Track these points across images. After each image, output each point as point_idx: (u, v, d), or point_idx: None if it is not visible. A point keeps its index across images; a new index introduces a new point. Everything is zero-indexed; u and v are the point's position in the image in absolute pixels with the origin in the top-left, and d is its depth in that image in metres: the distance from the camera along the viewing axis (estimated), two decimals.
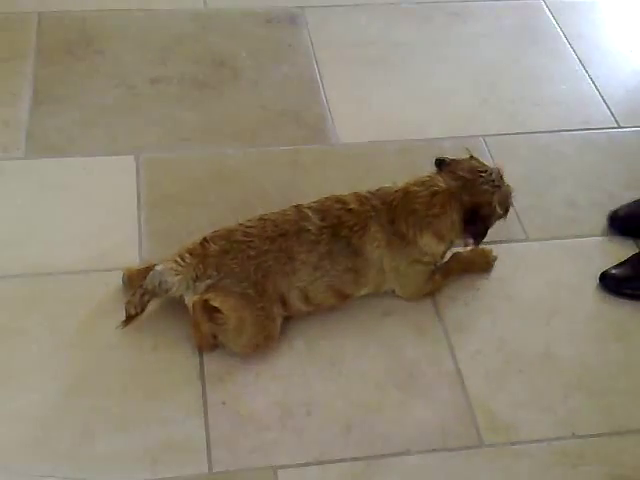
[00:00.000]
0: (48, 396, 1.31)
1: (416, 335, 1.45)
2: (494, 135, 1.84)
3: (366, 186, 1.71)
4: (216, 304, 1.32)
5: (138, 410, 1.30)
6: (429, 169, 1.76)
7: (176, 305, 1.45)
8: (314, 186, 1.71)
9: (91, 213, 1.59)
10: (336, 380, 1.37)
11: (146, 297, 1.36)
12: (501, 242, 1.62)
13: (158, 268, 1.35)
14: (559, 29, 2.15)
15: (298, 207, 1.44)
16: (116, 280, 1.46)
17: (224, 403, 1.33)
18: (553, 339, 1.47)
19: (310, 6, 2.14)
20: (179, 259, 1.35)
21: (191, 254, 1.35)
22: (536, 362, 1.43)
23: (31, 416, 1.28)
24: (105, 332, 1.39)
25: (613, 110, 1.92)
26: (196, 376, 1.35)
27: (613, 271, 1.52)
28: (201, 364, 1.37)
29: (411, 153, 1.80)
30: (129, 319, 1.37)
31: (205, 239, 1.37)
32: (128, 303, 1.36)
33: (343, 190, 1.69)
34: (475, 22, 2.00)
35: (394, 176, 1.74)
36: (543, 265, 1.58)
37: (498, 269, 1.56)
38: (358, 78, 1.94)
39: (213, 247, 1.35)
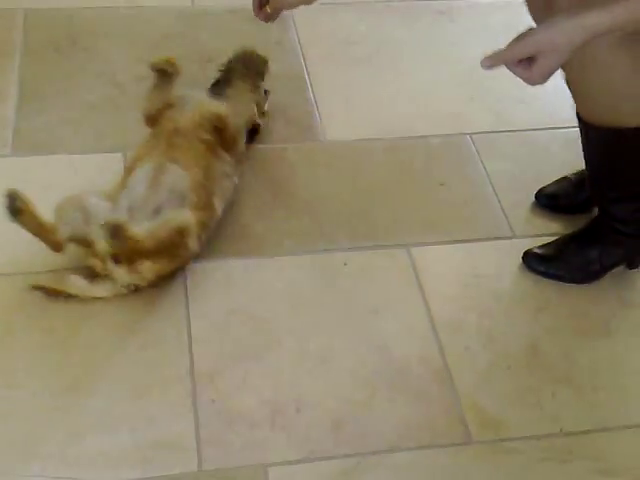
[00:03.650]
0: (36, 395, 1.30)
1: (405, 333, 1.45)
2: (481, 133, 1.85)
3: (355, 183, 1.73)
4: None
5: (127, 409, 1.30)
6: (417, 166, 1.79)
7: (164, 303, 1.45)
8: (302, 184, 1.71)
9: None
10: (325, 378, 1.38)
11: None
12: (487, 239, 1.63)
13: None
14: None
15: None
16: None
17: (214, 401, 1.33)
18: (540, 335, 1.48)
19: None
20: None
21: None
22: (523, 359, 1.44)
23: (19, 415, 1.27)
24: (93, 331, 1.39)
25: None
26: (185, 374, 1.35)
27: (536, 250, 1.57)
28: (191, 362, 1.37)
29: (399, 151, 1.80)
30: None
31: None
32: None
33: (333, 188, 1.71)
34: (461, 21, 2.01)
35: (382, 174, 1.76)
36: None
37: (485, 266, 1.57)
38: (346, 76, 1.94)
39: None
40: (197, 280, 1.50)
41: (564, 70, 1.30)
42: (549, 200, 1.67)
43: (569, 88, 1.37)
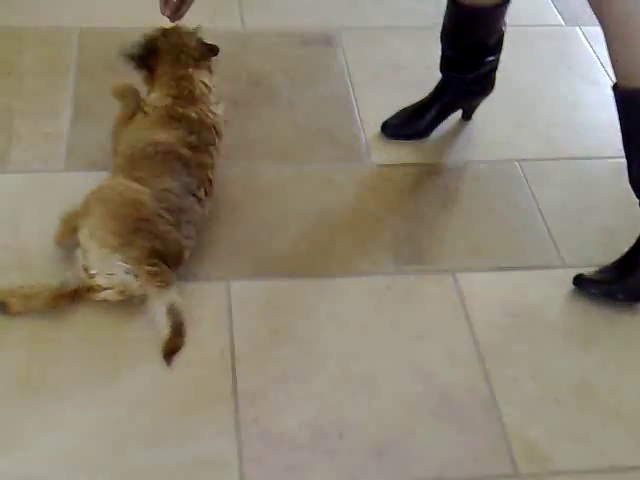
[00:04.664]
0: (83, 407, 1.31)
1: (450, 359, 1.43)
2: (529, 160, 1.84)
3: (400, 207, 1.72)
4: None
5: (171, 425, 1.30)
6: (464, 191, 1.78)
7: (208, 321, 1.45)
8: (348, 205, 1.72)
9: None
10: (368, 402, 1.36)
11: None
12: (536, 268, 1.61)
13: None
14: (595, 57, 2.15)
15: None
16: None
17: (256, 421, 1.32)
18: (590, 368, 1.44)
19: (346, 28, 2.17)
20: None
21: None
22: (572, 391, 1.41)
23: (67, 427, 1.29)
24: (140, 345, 1.40)
25: None
26: (229, 393, 1.35)
27: (588, 275, 1.56)
28: (234, 381, 1.37)
29: (445, 175, 1.80)
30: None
31: None
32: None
33: (378, 211, 1.71)
34: (510, 47, 1.99)
35: (428, 197, 1.75)
36: (579, 292, 1.56)
37: (533, 295, 1.55)
38: (392, 100, 1.94)
39: None
40: (241, 299, 1.50)
41: (605, 38, 1.37)
42: (394, 130, 1.84)
43: (609, 55, 1.40)
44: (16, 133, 1.77)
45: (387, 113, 1.90)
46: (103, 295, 1.40)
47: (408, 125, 1.86)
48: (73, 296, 1.40)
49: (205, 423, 1.31)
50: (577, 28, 2.24)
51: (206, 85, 1.65)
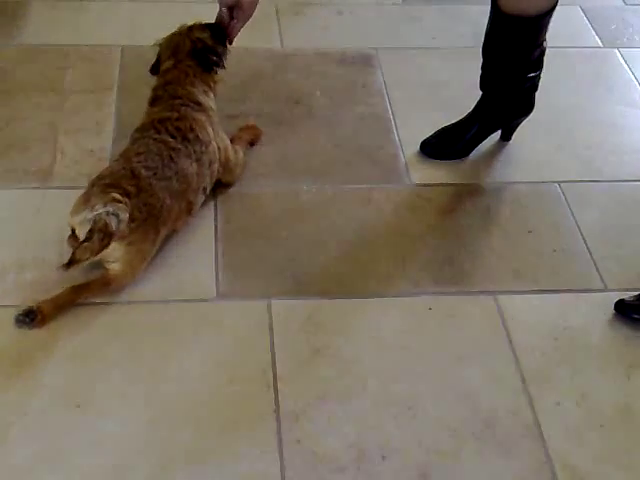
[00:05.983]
0: (127, 425, 1.32)
1: (493, 383, 1.42)
2: (570, 181, 1.83)
3: (440, 227, 1.72)
4: None
5: (214, 443, 1.30)
6: (504, 212, 1.77)
7: (250, 338, 1.46)
8: (387, 225, 1.72)
9: (170, 243, 1.62)
10: (411, 425, 1.36)
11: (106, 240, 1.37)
12: (578, 290, 1.60)
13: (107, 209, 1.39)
14: (634, 79, 2.14)
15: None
16: (194, 311, 1.49)
17: (299, 441, 1.32)
18: (633, 394, 1.43)
19: (383, 48, 2.18)
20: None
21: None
22: (617, 417, 1.39)
23: (109, 444, 1.29)
24: (183, 363, 1.41)
25: None
26: (271, 412, 1.35)
27: (629, 299, 1.55)
28: (276, 400, 1.37)
29: (485, 196, 1.79)
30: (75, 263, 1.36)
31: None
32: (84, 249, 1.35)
33: (417, 231, 1.71)
34: (548, 68, 2.00)
35: (468, 218, 1.75)
36: (622, 317, 1.54)
37: (575, 318, 1.54)
38: (431, 119, 1.95)
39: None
40: (282, 317, 1.51)
41: None
42: (433, 149, 1.87)
43: None
44: (60, 149, 1.81)
45: (426, 132, 1.91)
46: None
47: (447, 145, 1.86)
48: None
49: (248, 442, 1.31)
50: (615, 50, 2.24)
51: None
